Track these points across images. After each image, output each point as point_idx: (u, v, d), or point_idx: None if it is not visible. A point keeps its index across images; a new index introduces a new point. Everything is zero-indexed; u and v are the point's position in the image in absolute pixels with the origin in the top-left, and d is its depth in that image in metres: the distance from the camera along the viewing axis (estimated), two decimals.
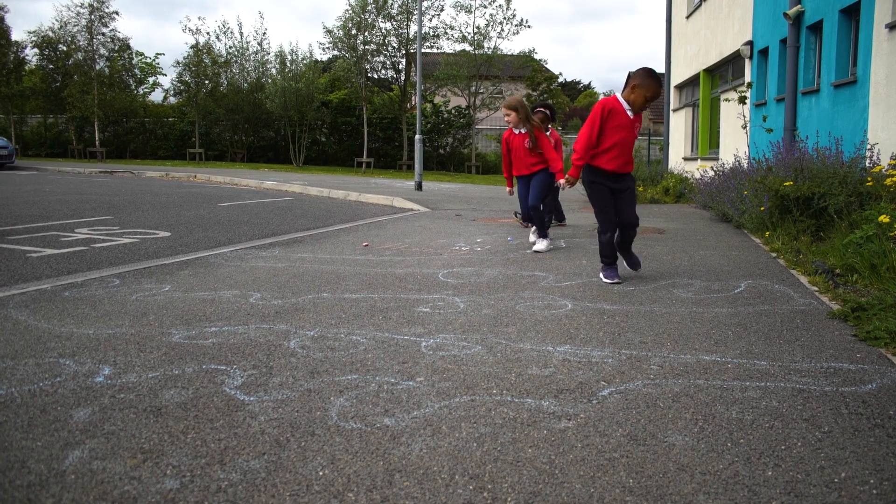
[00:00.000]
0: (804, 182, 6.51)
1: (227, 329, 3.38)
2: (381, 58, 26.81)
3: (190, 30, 34.14)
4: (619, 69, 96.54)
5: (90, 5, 26.23)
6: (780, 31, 10.54)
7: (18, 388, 2.52)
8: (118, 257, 5.66)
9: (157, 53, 51.75)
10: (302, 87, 24.89)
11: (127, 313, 3.67)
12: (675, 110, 17.63)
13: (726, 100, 12.48)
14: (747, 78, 12.25)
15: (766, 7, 11.38)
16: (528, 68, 28.40)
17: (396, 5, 25.40)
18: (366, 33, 25.19)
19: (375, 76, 27.99)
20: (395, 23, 25.86)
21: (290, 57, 26.43)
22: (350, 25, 24.81)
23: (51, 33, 26.70)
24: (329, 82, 27.81)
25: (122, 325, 3.43)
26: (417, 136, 15.39)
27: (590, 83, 57.01)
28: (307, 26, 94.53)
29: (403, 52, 26.58)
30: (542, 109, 7.14)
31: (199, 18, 31.16)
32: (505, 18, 25.95)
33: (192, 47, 26.93)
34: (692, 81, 16.28)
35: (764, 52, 11.67)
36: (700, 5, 15.38)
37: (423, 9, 23.65)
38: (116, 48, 27.18)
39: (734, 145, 12.16)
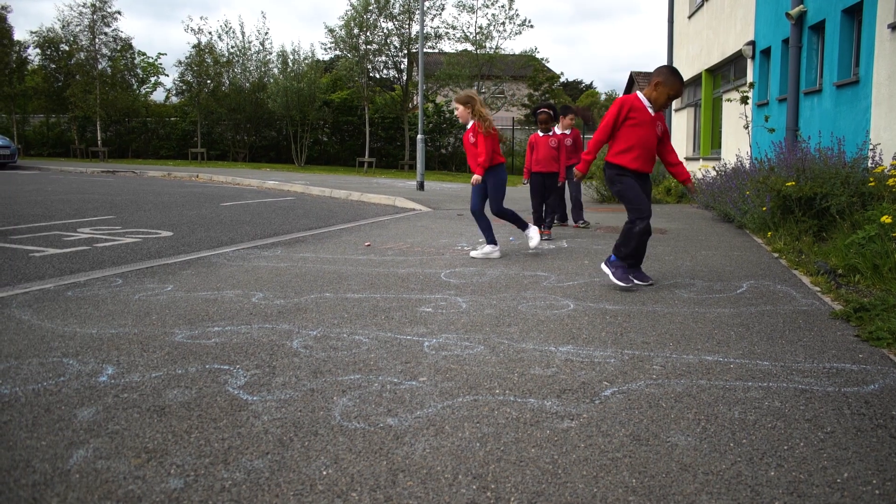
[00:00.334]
0: (806, 182, 6.50)
1: (230, 329, 3.38)
2: (383, 57, 26.82)
3: (192, 29, 34.29)
4: (620, 69, 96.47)
5: (92, 5, 26.27)
6: (783, 32, 10.53)
7: (22, 387, 2.53)
8: (121, 257, 5.67)
9: (160, 53, 51.92)
10: (304, 86, 24.90)
11: (130, 313, 3.68)
12: (676, 110, 17.62)
13: (728, 100, 12.47)
14: (749, 78, 12.24)
15: (768, 7, 11.37)
16: (529, 68, 28.42)
17: (398, 5, 25.41)
18: (368, 33, 25.20)
19: (377, 76, 28.01)
20: (396, 22, 25.87)
21: (291, 57, 26.47)
22: (352, 25, 24.82)
23: (52, 33, 26.73)
24: (331, 82, 27.83)
25: (125, 324, 3.44)
26: (419, 136, 15.39)
27: (591, 83, 57.03)
28: (308, 26, 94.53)
29: (405, 51, 26.59)
30: (546, 110, 7.15)
31: (201, 18, 31.25)
32: (507, 18, 25.96)
33: (194, 47, 26.98)
34: (694, 81, 16.26)
35: (766, 53, 11.66)
36: (702, 5, 15.37)
37: (425, 8, 23.65)
38: (119, 48, 27.22)
39: (736, 145, 12.15)
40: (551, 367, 2.83)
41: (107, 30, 26.80)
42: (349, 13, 25.06)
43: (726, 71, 14.54)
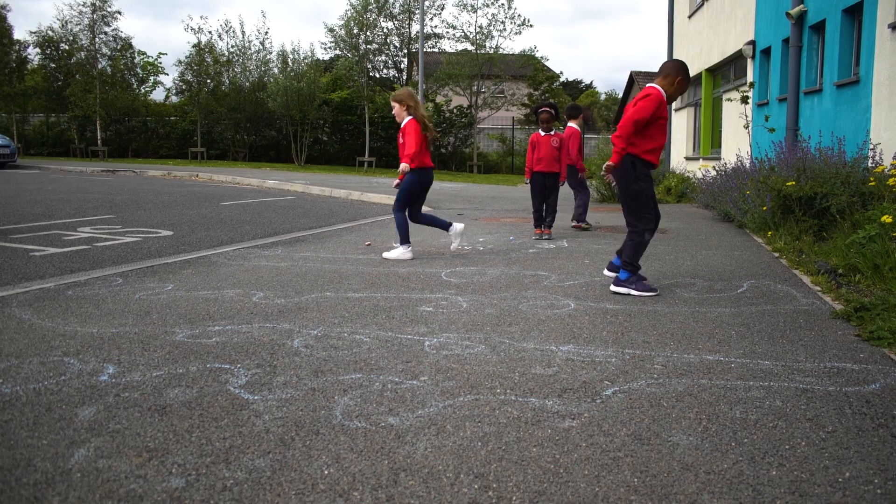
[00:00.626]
0: (806, 182, 6.50)
1: (231, 328, 3.38)
2: (383, 57, 26.86)
3: (192, 29, 34.29)
4: (620, 69, 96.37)
5: (93, 4, 26.25)
6: (783, 31, 10.53)
7: (23, 386, 2.52)
8: (121, 256, 5.67)
9: (160, 53, 51.91)
10: (304, 86, 24.90)
11: (130, 312, 3.68)
12: (677, 110, 17.62)
13: (728, 99, 12.47)
14: (749, 78, 12.24)
15: (768, 7, 11.37)
16: (529, 67, 28.42)
17: (398, 5, 25.41)
18: (367, 32, 25.21)
19: (377, 75, 28.02)
20: (396, 22, 25.88)
21: (291, 56, 26.47)
22: (352, 24, 24.82)
23: (51, 32, 26.72)
24: (331, 81, 27.82)
25: (126, 323, 3.44)
26: None
27: (591, 83, 56.97)
28: (308, 26, 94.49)
29: (405, 51, 26.59)
30: (547, 109, 7.13)
31: (201, 17, 31.22)
32: (507, 17, 25.97)
33: (194, 46, 26.98)
34: (694, 81, 16.26)
35: (766, 52, 11.66)
36: (702, 5, 15.37)
37: (425, 8, 23.64)
38: (119, 47, 27.21)
39: (736, 145, 12.15)
40: (552, 367, 2.83)
41: (107, 29, 26.80)
42: (349, 13, 25.09)
43: (726, 71, 14.54)
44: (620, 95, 37.86)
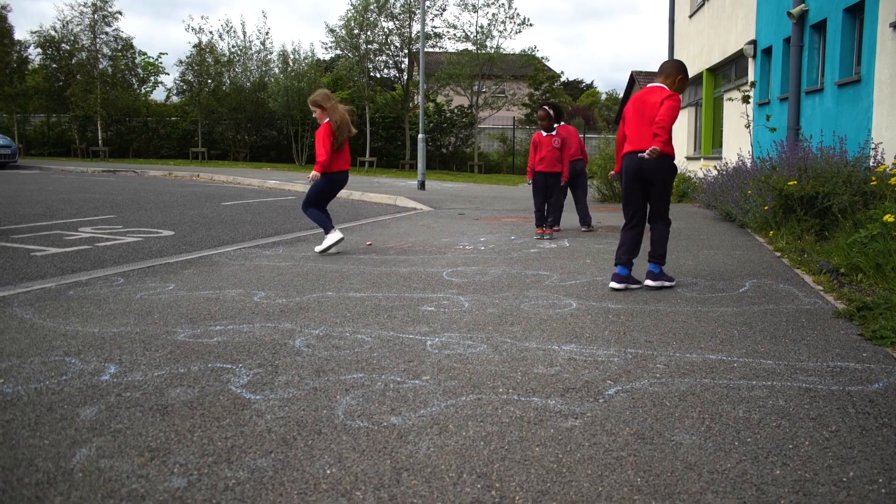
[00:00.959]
0: (808, 181, 6.50)
1: (233, 328, 3.38)
2: (384, 57, 26.82)
3: (193, 29, 34.26)
4: (620, 69, 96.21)
5: (93, 5, 26.26)
6: (784, 31, 10.52)
7: (25, 386, 2.52)
8: (122, 256, 5.67)
9: (161, 53, 51.89)
10: (304, 86, 24.88)
11: (132, 312, 3.67)
12: None
13: (729, 99, 12.46)
14: (750, 77, 12.23)
15: (769, 6, 11.36)
16: (529, 67, 28.40)
17: (399, 4, 25.40)
18: (368, 32, 25.19)
19: (378, 75, 28.00)
20: (397, 22, 25.86)
21: (292, 56, 26.45)
22: (353, 24, 24.81)
23: (53, 32, 26.74)
24: (332, 81, 27.80)
25: (127, 323, 3.43)
26: (420, 136, 15.38)
27: (592, 83, 56.92)
28: (308, 26, 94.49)
29: (406, 51, 26.58)
30: (547, 108, 7.13)
31: (201, 18, 31.29)
32: (507, 17, 25.95)
33: (194, 46, 26.97)
34: (695, 81, 16.24)
35: (767, 52, 11.65)
36: (703, 5, 15.35)
37: (426, 8, 23.64)
38: (119, 48, 27.21)
39: (737, 145, 12.13)
40: (555, 366, 2.82)
41: (108, 29, 26.80)
42: (350, 12, 25.07)
43: (727, 70, 14.53)
44: (621, 95, 37.85)
